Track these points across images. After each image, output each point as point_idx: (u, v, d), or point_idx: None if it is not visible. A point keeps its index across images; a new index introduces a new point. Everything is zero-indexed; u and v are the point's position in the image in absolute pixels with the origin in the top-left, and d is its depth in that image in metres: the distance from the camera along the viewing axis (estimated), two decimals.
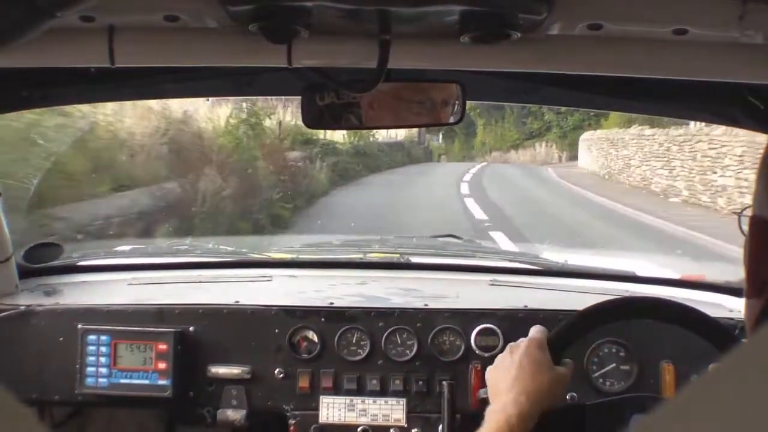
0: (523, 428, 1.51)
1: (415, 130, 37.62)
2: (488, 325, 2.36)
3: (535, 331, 1.75)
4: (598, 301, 1.89)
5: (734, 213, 1.32)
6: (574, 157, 42.48)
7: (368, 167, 26.67)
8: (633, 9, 1.40)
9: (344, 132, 21.87)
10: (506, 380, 1.62)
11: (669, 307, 1.92)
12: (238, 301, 2.46)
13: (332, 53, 1.61)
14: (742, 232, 1.11)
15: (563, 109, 37.74)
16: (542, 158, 48.07)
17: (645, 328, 2.27)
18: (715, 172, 17.79)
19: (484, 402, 1.99)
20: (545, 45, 1.55)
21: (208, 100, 14.61)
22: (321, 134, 22.35)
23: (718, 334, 1.84)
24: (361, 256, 3.24)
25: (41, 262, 2.76)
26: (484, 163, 40.51)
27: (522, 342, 1.72)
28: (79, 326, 2.36)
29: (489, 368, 1.75)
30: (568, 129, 48.51)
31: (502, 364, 1.69)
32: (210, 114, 15.67)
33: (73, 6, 1.29)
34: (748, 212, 1.10)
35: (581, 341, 1.98)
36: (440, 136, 54.32)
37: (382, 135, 33.55)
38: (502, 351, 2.30)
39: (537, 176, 31.12)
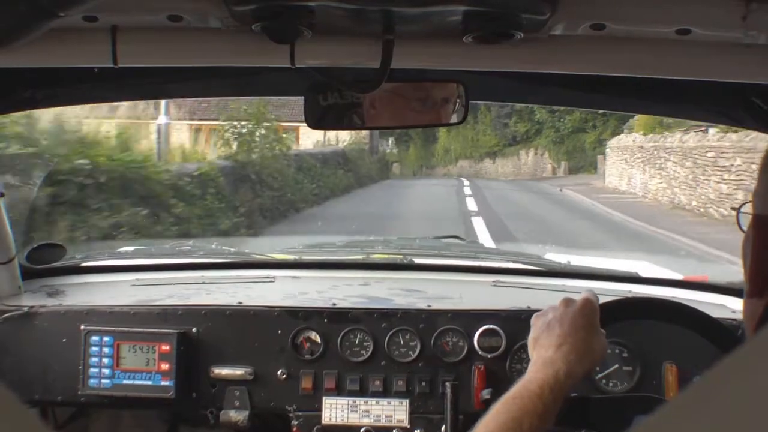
0: (568, 386, 1.49)
1: (364, 134, 26.91)
2: (491, 326, 2.35)
3: (590, 294, 1.70)
4: (654, 296, 1.88)
5: (732, 209, 1.30)
6: (576, 169, 35.92)
7: (266, 212, 14.92)
8: (636, 9, 1.40)
9: (218, 144, 16.28)
10: (557, 333, 1.58)
11: (722, 331, 1.90)
12: (240, 302, 2.46)
13: (335, 53, 1.62)
14: (741, 229, 1.10)
15: (562, 108, 30.12)
16: (529, 170, 40.95)
17: (647, 329, 2.27)
18: None
19: (488, 403, 1.99)
20: (548, 45, 1.55)
21: None
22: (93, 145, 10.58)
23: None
24: (363, 257, 3.24)
25: (44, 263, 2.76)
26: (464, 181, 30.01)
27: (578, 299, 1.68)
28: (82, 327, 2.37)
29: (536, 314, 1.71)
30: (565, 132, 38.65)
31: (555, 314, 1.65)
32: None
33: (76, 6, 1.29)
34: (746, 208, 1.09)
35: (621, 325, 1.98)
36: (391, 140, 44.24)
37: (317, 139, 25.42)
38: (505, 352, 2.32)
39: (580, 210, 20.39)
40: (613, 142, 28.05)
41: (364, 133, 24.85)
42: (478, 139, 44.99)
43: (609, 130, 32.74)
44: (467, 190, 24.76)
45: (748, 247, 0.99)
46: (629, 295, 2.48)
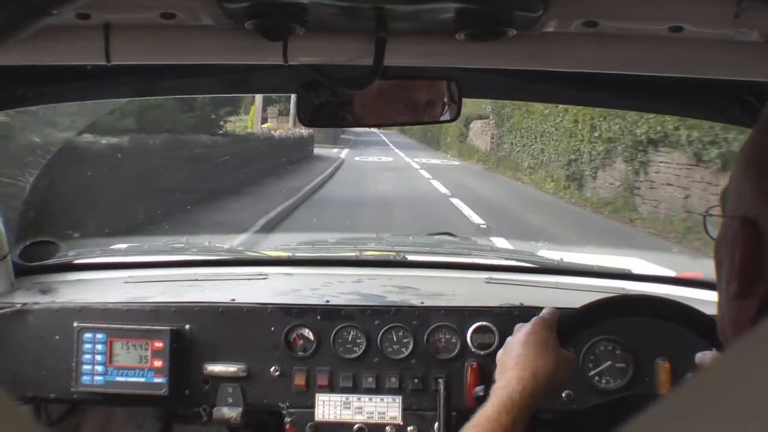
0: (525, 404, 1.50)
1: None
2: (484, 323, 2.36)
3: (546, 311, 1.73)
4: (617, 294, 1.87)
5: (699, 214, 1.29)
6: None
7: None
8: (628, 6, 1.40)
9: None
10: (511, 358, 1.61)
11: (688, 312, 1.89)
12: (233, 300, 2.45)
13: (328, 50, 1.61)
14: (708, 234, 1.09)
15: None
16: None
17: (641, 326, 2.27)
18: None
19: (481, 400, 1.99)
20: (541, 42, 1.55)
21: None
22: None
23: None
24: (356, 253, 3.23)
25: (37, 260, 2.75)
26: None
27: (529, 322, 1.70)
28: (75, 324, 2.36)
29: (500, 350, 1.73)
30: None
31: (509, 343, 1.68)
32: None
33: (69, 3, 1.29)
34: (713, 211, 1.09)
35: (589, 331, 1.97)
36: None
37: None
38: (498, 349, 2.32)
39: None
40: None
41: None
42: None
43: None
44: None
45: (725, 249, 0.98)
46: (623, 293, 2.49)
